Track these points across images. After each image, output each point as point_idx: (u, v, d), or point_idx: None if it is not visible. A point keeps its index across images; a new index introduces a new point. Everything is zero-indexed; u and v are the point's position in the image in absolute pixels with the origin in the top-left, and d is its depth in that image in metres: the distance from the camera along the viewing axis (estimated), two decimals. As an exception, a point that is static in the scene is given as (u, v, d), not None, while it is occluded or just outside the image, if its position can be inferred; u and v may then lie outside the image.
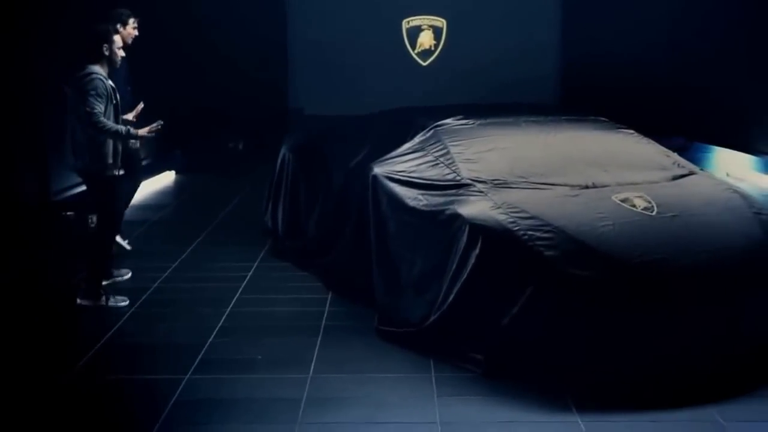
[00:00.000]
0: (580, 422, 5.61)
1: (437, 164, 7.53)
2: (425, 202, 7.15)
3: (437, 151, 7.70)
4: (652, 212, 6.69)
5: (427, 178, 7.40)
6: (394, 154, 7.88)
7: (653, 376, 6.01)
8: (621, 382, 5.99)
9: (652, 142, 8.28)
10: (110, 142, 7.96)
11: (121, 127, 7.96)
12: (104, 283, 8.22)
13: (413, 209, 7.18)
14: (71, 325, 7.72)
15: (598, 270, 6.18)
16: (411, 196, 7.26)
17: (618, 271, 6.19)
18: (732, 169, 14.47)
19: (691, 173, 7.73)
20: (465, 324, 6.49)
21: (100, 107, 7.79)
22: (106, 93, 7.88)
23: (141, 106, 8.84)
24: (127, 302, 8.04)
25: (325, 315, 7.70)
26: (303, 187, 9.49)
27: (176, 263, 9.35)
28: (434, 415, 5.74)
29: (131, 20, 9.45)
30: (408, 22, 18.85)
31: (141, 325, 7.56)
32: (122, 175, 8.21)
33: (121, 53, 8.18)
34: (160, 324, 7.58)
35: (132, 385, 6.36)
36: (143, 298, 8.20)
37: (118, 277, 8.72)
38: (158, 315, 7.81)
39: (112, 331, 7.36)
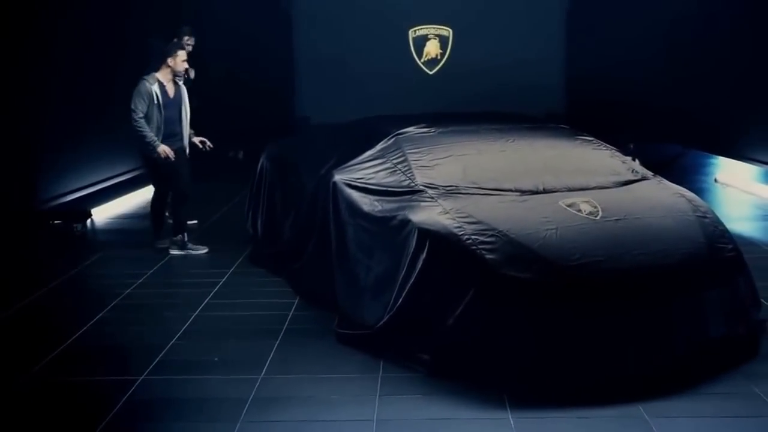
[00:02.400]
0: (510, 419, 5.79)
1: (395, 171, 7.74)
2: (380, 207, 7.37)
3: (396, 158, 7.92)
4: (596, 216, 6.86)
5: (384, 184, 7.63)
6: (355, 161, 8.11)
7: (586, 374, 6.17)
8: (555, 380, 6.15)
9: (611, 148, 8.42)
10: (155, 130, 9.85)
11: (149, 135, 9.77)
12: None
13: (369, 215, 7.42)
14: (38, 327, 7.91)
15: (537, 272, 6.34)
16: (367, 202, 7.50)
17: (556, 273, 6.35)
18: (722, 176, 14.60)
19: (643, 179, 7.88)
20: (414, 325, 6.65)
21: (142, 106, 9.73)
22: (148, 95, 9.75)
23: (208, 144, 10.72)
24: (207, 250, 10.37)
25: (288, 319, 7.88)
26: (279, 195, 9.73)
27: (153, 269, 9.59)
28: (372, 413, 5.93)
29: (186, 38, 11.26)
30: (414, 31, 18.91)
31: (107, 329, 7.76)
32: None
33: (184, 65, 10.08)
34: (125, 327, 7.79)
35: (87, 386, 6.53)
36: (114, 302, 8.42)
37: (193, 250, 10.40)
38: (125, 319, 8.02)
39: (78, 334, 7.55)
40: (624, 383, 6.12)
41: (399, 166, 7.78)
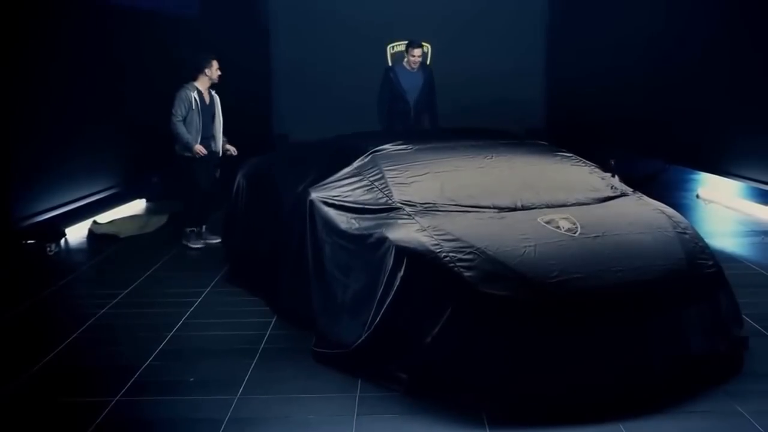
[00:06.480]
0: (489, 438, 5.73)
1: (372, 189, 7.67)
2: (357, 225, 7.30)
3: (373, 175, 7.85)
4: (575, 233, 6.81)
5: (361, 202, 7.56)
6: (332, 178, 8.04)
7: (566, 392, 6.09)
8: (534, 398, 6.08)
9: (590, 164, 8.38)
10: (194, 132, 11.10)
11: (186, 136, 10.99)
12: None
13: (346, 233, 7.34)
14: (9, 349, 7.76)
15: (515, 289, 6.26)
16: (344, 220, 7.43)
17: (534, 290, 6.27)
18: (704, 192, 14.58)
19: (622, 195, 7.84)
20: (392, 344, 6.57)
21: (182, 111, 10.97)
22: (188, 101, 10.99)
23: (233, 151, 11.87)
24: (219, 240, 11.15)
25: (266, 338, 7.78)
26: (255, 212, 9.60)
27: (129, 289, 9.43)
28: (350, 433, 5.86)
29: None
30: (393, 47, 18.88)
31: (80, 350, 7.63)
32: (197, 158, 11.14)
33: (218, 72, 11.30)
34: (99, 348, 7.67)
35: (59, 408, 6.39)
36: (88, 323, 8.28)
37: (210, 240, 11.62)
38: (99, 339, 7.89)
39: (51, 355, 7.41)
40: (605, 401, 6.06)
41: (376, 183, 7.72)
